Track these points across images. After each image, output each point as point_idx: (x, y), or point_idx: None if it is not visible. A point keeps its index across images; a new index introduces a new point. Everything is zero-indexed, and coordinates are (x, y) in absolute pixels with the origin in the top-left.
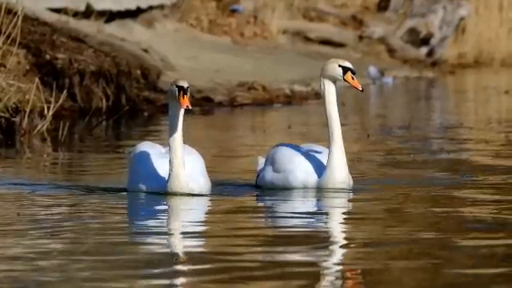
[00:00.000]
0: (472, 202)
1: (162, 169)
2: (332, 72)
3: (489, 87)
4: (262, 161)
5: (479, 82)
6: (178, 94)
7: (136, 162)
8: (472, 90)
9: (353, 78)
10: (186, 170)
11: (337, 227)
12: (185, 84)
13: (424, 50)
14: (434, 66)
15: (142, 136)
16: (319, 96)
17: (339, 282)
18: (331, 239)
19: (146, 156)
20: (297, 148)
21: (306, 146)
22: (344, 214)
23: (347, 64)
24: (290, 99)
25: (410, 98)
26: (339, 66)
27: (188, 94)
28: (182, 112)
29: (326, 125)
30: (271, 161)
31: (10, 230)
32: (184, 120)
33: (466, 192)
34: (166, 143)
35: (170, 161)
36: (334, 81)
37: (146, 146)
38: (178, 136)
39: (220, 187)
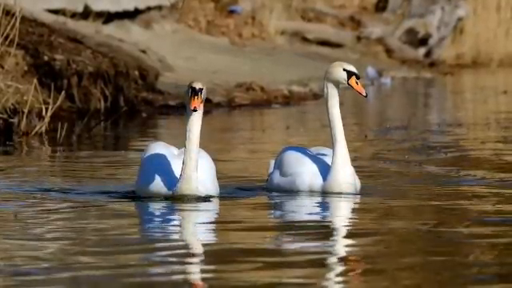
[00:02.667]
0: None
1: (172, 170)
2: (336, 76)
3: (487, 88)
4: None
5: (477, 83)
6: (190, 95)
7: (146, 162)
8: (470, 91)
9: (357, 83)
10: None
11: (342, 242)
12: (197, 85)
13: (422, 51)
14: (432, 67)
15: (141, 137)
16: (317, 96)
17: None
18: (337, 256)
19: (156, 157)
20: (305, 151)
21: (314, 150)
22: (349, 224)
23: (352, 68)
24: (289, 100)
25: (408, 98)
26: (344, 69)
27: (199, 95)
28: (199, 114)
29: (325, 126)
30: (279, 164)
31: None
32: (181, 120)
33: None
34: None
35: (183, 162)
36: (338, 84)
37: (158, 147)
38: (194, 138)
39: (223, 191)
